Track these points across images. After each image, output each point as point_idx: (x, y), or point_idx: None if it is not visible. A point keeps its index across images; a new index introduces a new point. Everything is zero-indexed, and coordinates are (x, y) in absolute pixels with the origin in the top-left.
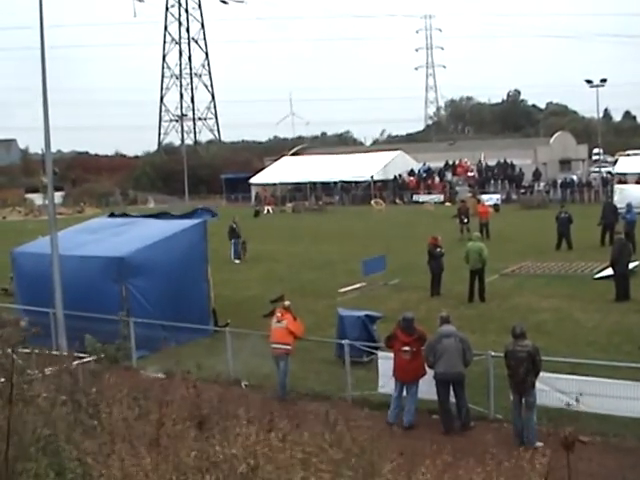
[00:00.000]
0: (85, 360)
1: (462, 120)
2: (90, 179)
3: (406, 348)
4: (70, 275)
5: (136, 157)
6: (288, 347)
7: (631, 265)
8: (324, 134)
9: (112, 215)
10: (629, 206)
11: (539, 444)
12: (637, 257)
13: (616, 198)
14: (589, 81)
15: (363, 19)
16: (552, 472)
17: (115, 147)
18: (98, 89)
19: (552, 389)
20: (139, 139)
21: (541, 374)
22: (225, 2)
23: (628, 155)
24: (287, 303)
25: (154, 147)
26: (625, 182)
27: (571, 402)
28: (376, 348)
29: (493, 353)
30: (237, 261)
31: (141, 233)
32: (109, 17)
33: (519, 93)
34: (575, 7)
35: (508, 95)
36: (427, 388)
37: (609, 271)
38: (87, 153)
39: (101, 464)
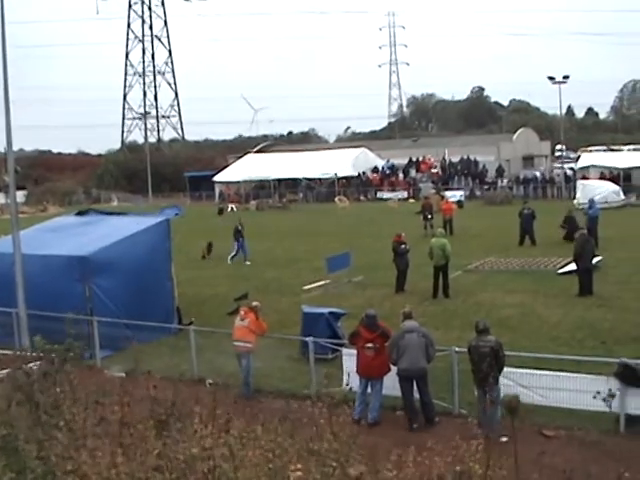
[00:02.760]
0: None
1: (426, 117)
2: (53, 178)
3: (369, 345)
4: (33, 274)
5: (99, 155)
6: (249, 345)
7: (594, 260)
8: (289, 132)
9: (80, 213)
10: (591, 202)
11: (504, 438)
12: (600, 252)
13: (578, 194)
14: (552, 78)
15: (327, 16)
16: (519, 466)
17: (78, 145)
18: (60, 87)
19: (516, 384)
20: (102, 137)
21: (505, 369)
22: None
23: (590, 151)
24: (255, 304)
25: (117, 145)
26: (587, 178)
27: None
28: (340, 345)
29: (457, 349)
30: (230, 262)
31: (104, 232)
32: (71, 14)
33: (483, 90)
34: (538, 5)
35: (472, 92)
36: (391, 384)
37: (572, 266)
38: (50, 152)
39: (65, 462)
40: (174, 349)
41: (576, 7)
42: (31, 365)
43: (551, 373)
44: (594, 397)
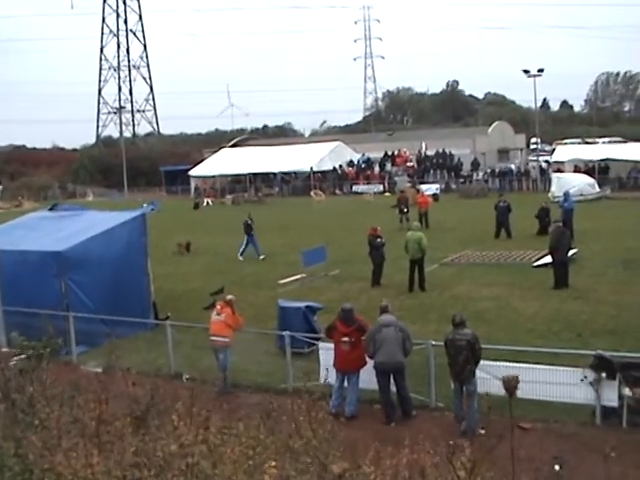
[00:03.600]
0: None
1: (401, 110)
2: (28, 173)
3: (345, 339)
4: (9, 270)
5: (74, 150)
6: (226, 340)
7: (570, 253)
8: (265, 126)
9: (52, 208)
10: (566, 194)
11: (481, 431)
12: (576, 245)
13: (553, 187)
14: (526, 71)
15: (302, 10)
16: (496, 458)
17: (53, 140)
18: (35, 82)
19: (492, 377)
20: (77, 132)
21: (482, 362)
22: None
23: (565, 144)
24: (230, 297)
25: (92, 140)
26: (562, 171)
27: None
28: (317, 339)
29: (434, 342)
30: (241, 258)
31: (80, 227)
32: (46, 9)
33: (458, 83)
34: None
35: (447, 85)
36: (368, 378)
37: (548, 259)
38: (25, 147)
39: (44, 459)
40: (151, 344)
41: (551, 1)
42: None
43: (527, 365)
44: (581, 380)
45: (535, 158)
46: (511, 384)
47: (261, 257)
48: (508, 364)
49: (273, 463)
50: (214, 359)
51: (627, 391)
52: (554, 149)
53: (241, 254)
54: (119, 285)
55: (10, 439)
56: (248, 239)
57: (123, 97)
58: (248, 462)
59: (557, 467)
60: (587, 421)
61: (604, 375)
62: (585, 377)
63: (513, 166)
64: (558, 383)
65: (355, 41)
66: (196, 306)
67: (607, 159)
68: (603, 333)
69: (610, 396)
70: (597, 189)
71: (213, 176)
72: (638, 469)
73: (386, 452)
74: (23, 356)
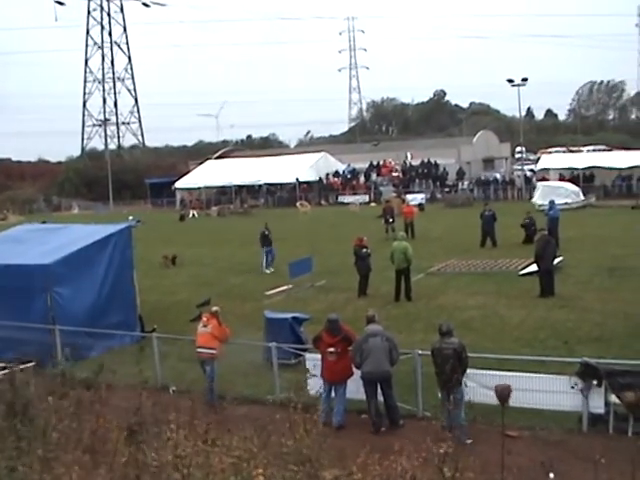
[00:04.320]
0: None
1: (386, 121)
2: (13, 186)
3: (331, 349)
4: None
5: (59, 163)
6: (213, 351)
7: (555, 261)
8: (249, 137)
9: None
10: (551, 203)
11: (468, 441)
12: (561, 253)
13: (538, 195)
14: (510, 80)
15: (287, 22)
16: (485, 466)
17: (38, 153)
18: (19, 94)
19: (479, 385)
20: (62, 145)
21: (468, 370)
22: (147, 5)
23: (550, 153)
24: (215, 309)
25: (77, 153)
26: (547, 179)
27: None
28: (304, 350)
29: (420, 351)
30: (268, 271)
31: (66, 240)
32: (30, 22)
33: (445, 93)
34: (497, 8)
35: (434, 95)
36: (356, 388)
37: (534, 267)
38: (9, 160)
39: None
40: (137, 357)
41: (534, 10)
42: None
43: (514, 374)
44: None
45: (520, 167)
46: (504, 393)
47: (267, 271)
48: (495, 372)
49: (260, 470)
50: (201, 371)
51: (613, 398)
52: (539, 158)
53: (266, 267)
54: (105, 298)
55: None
56: (266, 250)
57: (108, 109)
58: (237, 472)
59: (551, 475)
60: (574, 428)
61: (595, 382)
62: (576, 384)
63: (498, 175)
64: (545, 391)
65: (340, 52)
66: (182, 318)
67: (592, 167)
68: (589, 340)
69: (597, 403)
70: (582, 197)
71: (198, 188)
72: (625, 476)
73: (375, 460)
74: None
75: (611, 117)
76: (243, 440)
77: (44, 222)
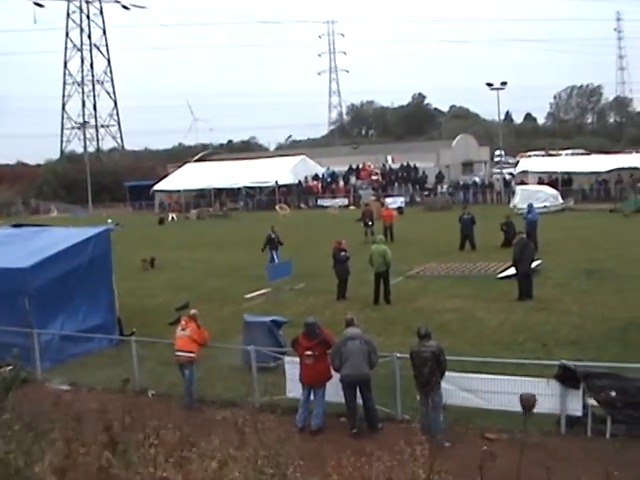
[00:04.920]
0: None
1: (365, 124)
2: None
3: (308, 352)
4: None
5: (38, 166)
6: (191, 355)
7: (534, 264)
8: (229, 141)
9: (17, 225)
10: (530, 206)
11: (447, 444)
12: (540, 256)
13: (517, 199)
14: (490, 84)
15: (267, 25)
16: (462, 469)
17: (16, 156)
18: None
19: (458, 388)
20: (41, 147)
21: (447, 373)
22: (127, 8)
23: (529, 156)
24: (193, 312)
25: (56, 155)
26: (526, 183)
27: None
28: (283, 353)
29: (399, 354)
30: None
31: (45, 243)
32: (9, 24)
33: (423, 97)
34: (477, 12)
35: (413, 98)
36: (334, 391)
37: (512, 270)
38: None
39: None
40: (116, 360)
41: (514, 15)
42: None
43: (492, 376)
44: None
45: (499, 170)
46: (530, 402)
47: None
48: (473, 375)
49: (237, 474)
50: (179, 374)
51: (591, 400)
52: (518, 161)
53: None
54: (83, 301)
55: None
56: (273, 253)
57: (87, 112)
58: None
59: None
60: (552, 430)
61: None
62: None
63: (477, 179)
64: None
65: (319, 55)
66: (161, 321)
67: (571, 172)
68: (567, 343)
69: (574, 405)
70: (560, 200)
71: (178, 191)
72: (603, 478)
73: (351, 463)
74: None
75: (590, 121)
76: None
77: (16, 225)
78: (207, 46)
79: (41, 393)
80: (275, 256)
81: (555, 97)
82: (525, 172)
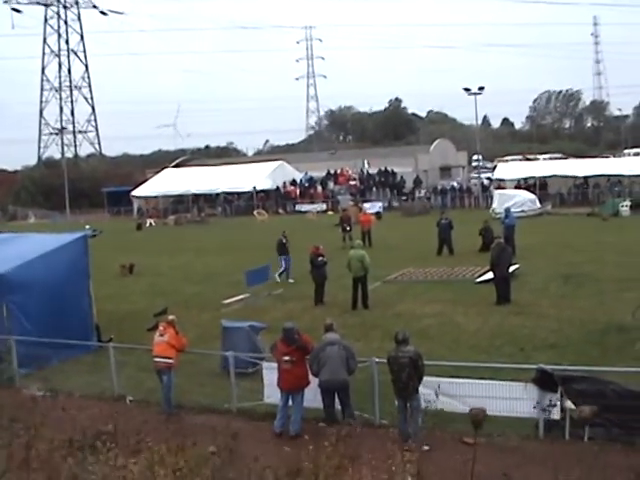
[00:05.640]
0: None
1: (343, 129)
2: None
3: (286, 358)
4: None
5: (15, 172)
6: (170, 361)
7: (511, 268)
8: (207, 146)
9: None
10: (507, 211)
11: (425, 447)
12: (517, 261)
13: (495, 203)
14: (467, 89)
15: (245, 31)
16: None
17: None
18: None
19: (436, 392)
20: (18, 153)
21: (425, 378)
22: (104, 13)
23: (507, 161)
24: (171, 317)
25: (34, 161)
26: (504, 187)
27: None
28: (261, 359)
29: (377, 359)
30: (291, 280)
31: (21, 249)
32: None
33: (400, 101)
34: (453, 18)
35: (389, 103)
36: (313, 396)
37: (490, 275)
38: None
39: None
40: (93, 366)
41: (490, 20)
42: None
43: (470, 381)
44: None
45: (477, 175)
46: (478, 417)
47: (290, 280)
48: (451, 380)
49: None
50: (158, 380)
51: (569, 404)
52: (495, 166)
53: (281, 275)
54: (61, 307)
55: None
56: (284, 259)
57: (65, 118)
58: None
59: None
60: (530, 434)
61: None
62: (538, 403)
63: (455, 183)
64: (501, 397)
65: (297, 61)
66: (139, 327)
67: (550, 176)
68: (545, 347)
69: (552, 409)
70: (538, 205)
71: (156, 196)
72: None
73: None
74: None
75: (567, 125)
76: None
77: None
78: (185, 51)
79: (18, 399)
80: (284, 263)
81: (535, 101)
82: (502, 179)
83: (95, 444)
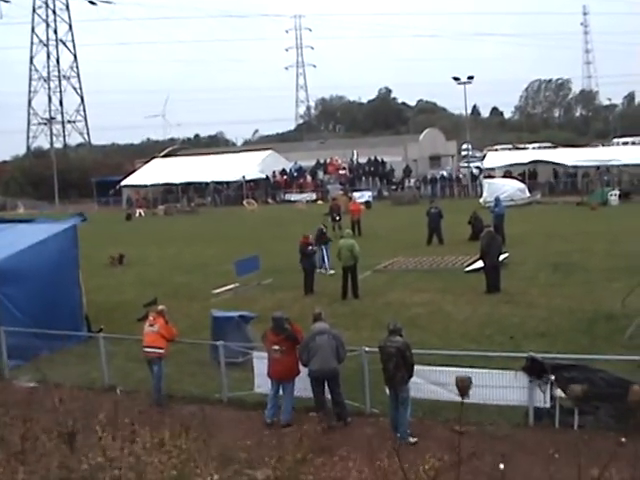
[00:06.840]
0: None
1: (333, 119)
2: None
3: (275, 347)
4: None
5: (4, 162)
6: (160, 351)
7: (501, 257)
8: (197, 136)
9: None
10: (497, 199)
11: (412, 439)
12: (507, 249)
13: (485, 192)
14: (456, 78)
15: (234, 19)
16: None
17: None
18: None
19: (426, 382)
20: (7, 143)
21: (416, 367)
22: (93, 3)
23: (496, 150)
24: (161, 307)
25: (23, 151)
26: (493, 176)
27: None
28: (251, 348)
29: (367, 349)
30: (332, 271)
31: (10, 239)
32: None
33: (390, 91)
34: (443, 7)
35: (379, 93)
36: (303, 386)
37: (479, 264)
38: None
39: None
40: (84, 357)
41: (480, 9)
42: None
43: (461, 369)
44: (503, 391)
45: (466, 164)
46: (464, 384)
47: (331, 271)
48: (442, 368)
49: (199, 471)
50: (148, 371)
51: (559, 392)
52: (485, 155)
53: (329, 268)
54: (51, 297)
55: None
56: (323, 249)
57: (53, 108)
58: (173, 472)
59: (501, 466)
60: (520, 422)
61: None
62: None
63: (445, 172)
64: (491, 386)
65: (287, 50)
66: (129, 318)
67: (538, 161)
68: (534, 335)
69: (542, 397)
70: (527, 194)
71: (145, 186)
72: (571, 468)
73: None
74: None
75: (557, 115)
76: (181, 439)
77: None
78: (174, 41)
79: (8, 390)
80: (325, 252)
81: (525, 91)
82: (492, 168)
83: (87, 434)
